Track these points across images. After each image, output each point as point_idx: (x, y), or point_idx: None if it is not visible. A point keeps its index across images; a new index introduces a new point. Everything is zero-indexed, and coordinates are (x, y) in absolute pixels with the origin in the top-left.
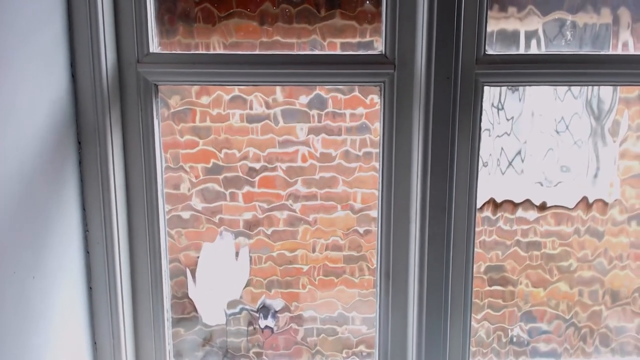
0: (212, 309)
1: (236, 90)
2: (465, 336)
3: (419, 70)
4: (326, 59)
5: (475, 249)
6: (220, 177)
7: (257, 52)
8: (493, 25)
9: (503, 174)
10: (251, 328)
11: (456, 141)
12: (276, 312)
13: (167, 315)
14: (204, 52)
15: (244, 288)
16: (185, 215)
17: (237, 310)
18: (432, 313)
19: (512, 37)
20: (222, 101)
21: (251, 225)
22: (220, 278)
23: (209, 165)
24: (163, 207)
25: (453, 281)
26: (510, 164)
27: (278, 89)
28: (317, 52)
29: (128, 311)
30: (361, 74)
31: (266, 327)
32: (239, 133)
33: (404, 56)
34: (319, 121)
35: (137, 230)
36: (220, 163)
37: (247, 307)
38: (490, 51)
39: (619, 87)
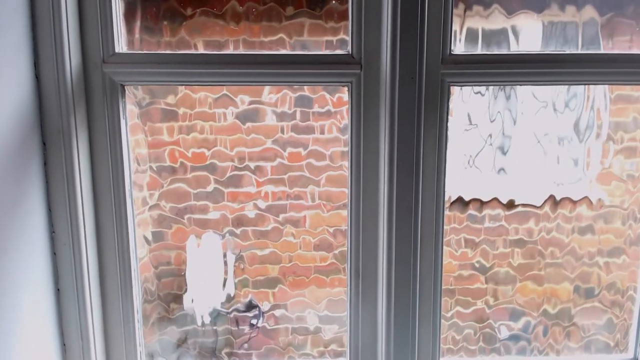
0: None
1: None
2: (435, 334)
3: (385, 70)
4: (293, 59)
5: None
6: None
7: (223, 52)
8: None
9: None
10: (236, 328)
11: (422, 141)
12: (262, 311)
13: (138, 316)
14: (170, 52)
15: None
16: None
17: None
18: (401, 311)
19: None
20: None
21: (222, 224)
22: (202, 278)
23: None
24: (132, 207)
25: (421, 279)
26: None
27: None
28: (283, 52)
29: (97, 312)
30: (328, 74)
31: (253, 326)
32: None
33: (370, 56)
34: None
35: (105, 231)
36: (189, 164)
37: (233, 306)
38: (456, 51)
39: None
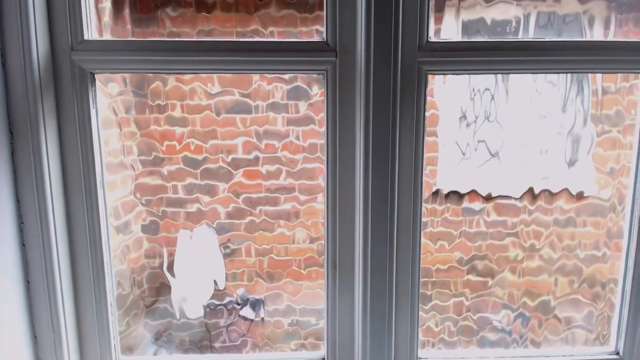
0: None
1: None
2: (413, 325)
3: (360, 58)
4: (267, 47)
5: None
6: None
7: (195, 39)
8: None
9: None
10: (231, 319)
11: (398, 130)
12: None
13: (112, 309)
14: (141, 39)
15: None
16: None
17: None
18: (377, 303)
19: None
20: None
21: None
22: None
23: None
24: (103, 197)
25: (398, 272)
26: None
27: None
28: (258, 39)
29: (69, 305)
30: (303, 61)
31: (246, 318)
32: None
33: (346, 44)
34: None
35: (76, 222)
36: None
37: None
38: (433, 39)
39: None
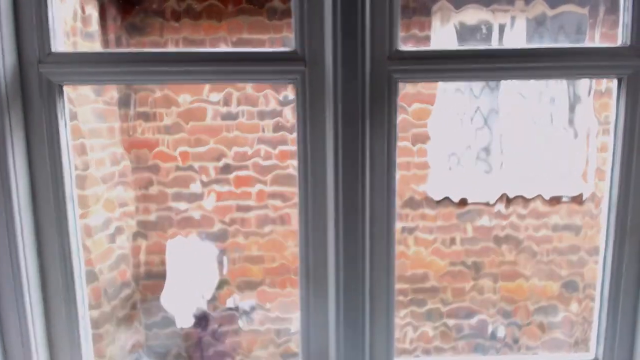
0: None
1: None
2: (389, 334)
3: (328, 67)
4: (236, 57)
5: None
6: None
7: (163, 50)
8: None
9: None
10: (226, 328)
11: (368, 139)
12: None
13: (84, 322)
14: (109, 50)
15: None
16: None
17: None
18: (350, 312)
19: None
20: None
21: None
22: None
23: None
24: (74, 211)
25: (373, 280)
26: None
27: None
28: (226, 49)
29: (39, 319)
30: (272, 71)
31: (241, 327)
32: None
33: (315, 53)
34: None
35: (46, 237)
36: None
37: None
38: (402, 47)
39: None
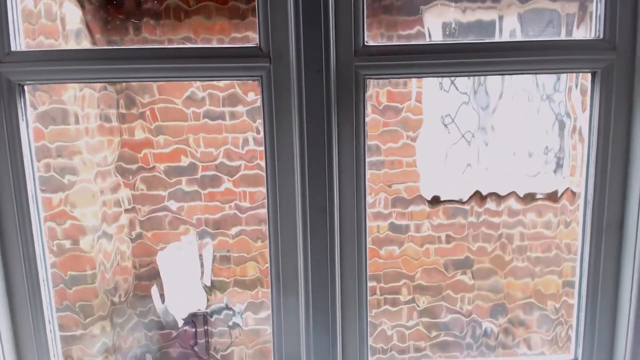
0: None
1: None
2: (362, 335)
3: (292, 63)
4: (199, 53)
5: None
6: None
7: (125, 47)
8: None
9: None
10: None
11: (334, 137)
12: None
13: (51, 326)
14: (70, 48)
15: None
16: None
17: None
18: (320, 317)
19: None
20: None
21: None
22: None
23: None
24: (37, 213)
25: (344, 281)
26: None
27: None
28: (189, 45)
29: (5, 325)
30: (237, 68)
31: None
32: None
33: (279, 49)
34: None
35: (8, 240)
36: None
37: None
38: (370, 42)
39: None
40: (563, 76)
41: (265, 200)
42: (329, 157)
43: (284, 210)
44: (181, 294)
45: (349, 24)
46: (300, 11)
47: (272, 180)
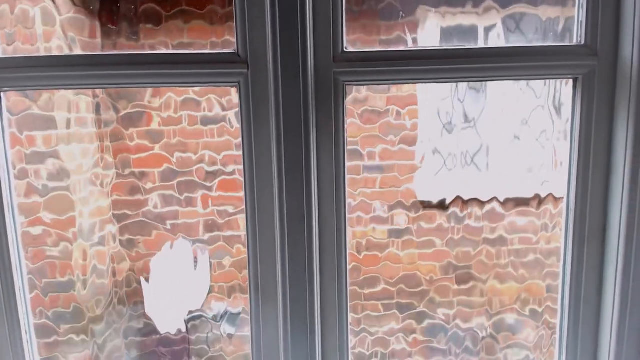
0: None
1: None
2: (342, 341)
3: (271, 69)
4: (176, 59)
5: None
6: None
7: (101, 52)
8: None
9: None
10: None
11: (313, 143)
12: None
13: (27, 336)
14: (43, 55)
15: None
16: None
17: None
18: (298, 326)
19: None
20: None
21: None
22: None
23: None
24: (12, 219)
25: (324, 290)
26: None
27: None
28: (166, 51)
29: None
30: (214, 74)
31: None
32: None
33: (257, 55)
34: None
35: None
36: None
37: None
38: (350, 48)
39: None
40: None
41: (245, 209)
42: (307, 164)
43: (263, 218)
44: (173, 298)
45: (327, 29)
46: (277, 16)
47: (251, 187)
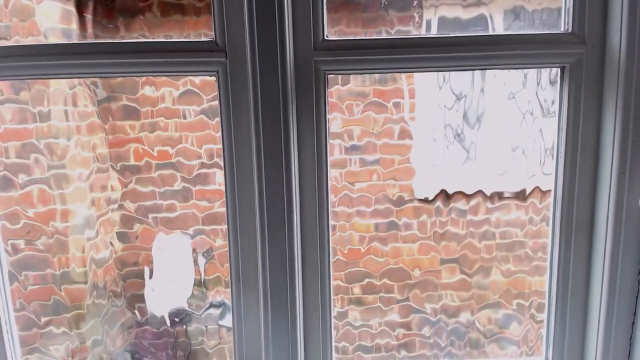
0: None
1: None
2: (325, 334)
3: (248, 58)
4: (153, 47)
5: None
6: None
7: (78, 41)
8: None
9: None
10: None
11: (293, 132)
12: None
13: (7, 327)
14: (17, 44)
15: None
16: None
17: None
18: (279, 319)
19: None
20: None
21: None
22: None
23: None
24: None
25: (306, 282)
26: None
27: None
28: (143, 39)
29: None
30: (193, 62)
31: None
32: None
33: (235, 44)
34: None
35: None
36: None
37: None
38: (331, 37)
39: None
40: (532, 71)
41: (225, 201)
42: (287, 155)
43: (243, 210)
44: (170, 289)
45: (307, 17)
46: (254, 3)
47: (231, 179)
